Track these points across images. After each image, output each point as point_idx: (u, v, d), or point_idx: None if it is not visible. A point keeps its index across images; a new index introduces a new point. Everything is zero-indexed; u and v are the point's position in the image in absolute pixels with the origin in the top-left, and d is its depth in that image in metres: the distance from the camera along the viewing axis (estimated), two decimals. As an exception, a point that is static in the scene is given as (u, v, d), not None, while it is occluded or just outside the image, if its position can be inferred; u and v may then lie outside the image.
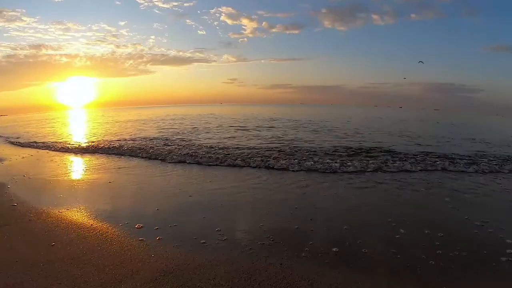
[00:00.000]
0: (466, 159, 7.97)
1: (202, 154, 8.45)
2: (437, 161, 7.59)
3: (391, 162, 7.46)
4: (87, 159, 8.88)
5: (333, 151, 9.22)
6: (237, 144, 10.61)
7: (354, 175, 6.53)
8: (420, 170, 6.92)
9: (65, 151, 10.39)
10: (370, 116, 35.65)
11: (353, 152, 9.05)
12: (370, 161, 7.49)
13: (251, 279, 2.56)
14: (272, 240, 3.31)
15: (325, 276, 2.63)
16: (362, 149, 9.67)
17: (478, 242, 3.33)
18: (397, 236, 3.46)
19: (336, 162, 7.33)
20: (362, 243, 3.28)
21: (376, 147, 9.97)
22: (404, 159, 7.84)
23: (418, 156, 8.26)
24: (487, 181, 6.13)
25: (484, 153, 9.24)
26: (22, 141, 13.15)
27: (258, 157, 8.04)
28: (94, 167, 7.59)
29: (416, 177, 6.35)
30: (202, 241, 3.28)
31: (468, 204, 4.71)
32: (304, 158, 7.90)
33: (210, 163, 7.73)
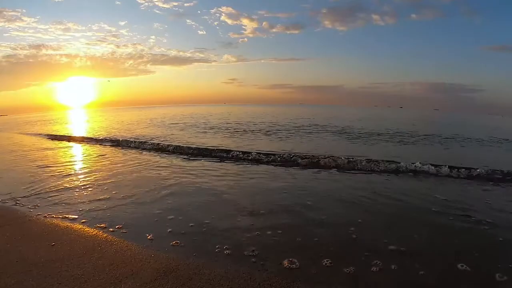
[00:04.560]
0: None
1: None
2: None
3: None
4: (89, 152, 8.89)
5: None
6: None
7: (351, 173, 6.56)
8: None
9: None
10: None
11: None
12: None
13: (251, 279, 2.56)
14: (272, 240, 3.31)
15: (326, 276, 2.63)
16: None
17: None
18: (397, 236, 3.47)
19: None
20: (363, 243, 3.28)
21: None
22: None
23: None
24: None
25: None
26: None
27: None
28: (99, 164, 7.59)
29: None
30: (202, 241, 3.28)
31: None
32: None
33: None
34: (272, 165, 7.70)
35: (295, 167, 7.37)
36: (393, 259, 2.91)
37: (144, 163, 7.91)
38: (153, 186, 5.59)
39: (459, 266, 2.79)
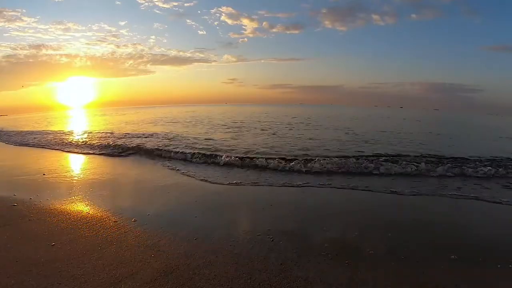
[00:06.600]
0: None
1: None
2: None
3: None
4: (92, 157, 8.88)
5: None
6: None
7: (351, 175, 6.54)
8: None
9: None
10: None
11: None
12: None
13: (251, 279, 2.56)
14: (272, 240, 3.31)
15: (326, 276, 2.63)
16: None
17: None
18: (398, 238, 3.47)
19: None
20: (363, 243, 3.28)
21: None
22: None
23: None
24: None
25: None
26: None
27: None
28: (99, 166, 7.59)
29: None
30: (202, 242, 3.28)
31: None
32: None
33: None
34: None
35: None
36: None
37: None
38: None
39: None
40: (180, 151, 9.04)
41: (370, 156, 8.24)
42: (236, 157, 7.95)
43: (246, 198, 5.07)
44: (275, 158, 7.59)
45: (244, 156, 8.17)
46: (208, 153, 8.62)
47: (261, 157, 7.79)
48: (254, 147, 9.88)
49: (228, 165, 7.50)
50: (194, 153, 8.62)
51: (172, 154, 8.78)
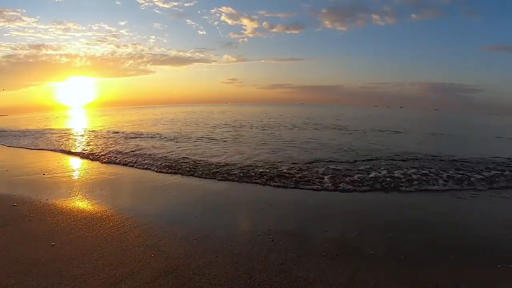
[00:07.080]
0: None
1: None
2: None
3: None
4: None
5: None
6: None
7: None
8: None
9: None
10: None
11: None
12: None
13: (251, 279, 2.56)
14: (272, 240, 3.31)
15: (326, 276, 2.63)
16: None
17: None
18: (398, 238, 3.47)
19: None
20: (363, 243, 3.28)
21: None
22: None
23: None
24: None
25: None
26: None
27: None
28: (99, 166, 7.59)
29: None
30: (202, 242, 3.28)
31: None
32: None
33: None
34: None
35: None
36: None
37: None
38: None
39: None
40: (179, 162, 8.29)
41: (370, 159, 8.17)
42: (237, 174, 6.53)
43: (246, 198, 5.07)
44: (274, 170, 6.53)
45: (245, 172, 6.62)
46: (204, 159, 8.37)
47: (259, 172, 6.49)
48: (255, 150, 9.86)
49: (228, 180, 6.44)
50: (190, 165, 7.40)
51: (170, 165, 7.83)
